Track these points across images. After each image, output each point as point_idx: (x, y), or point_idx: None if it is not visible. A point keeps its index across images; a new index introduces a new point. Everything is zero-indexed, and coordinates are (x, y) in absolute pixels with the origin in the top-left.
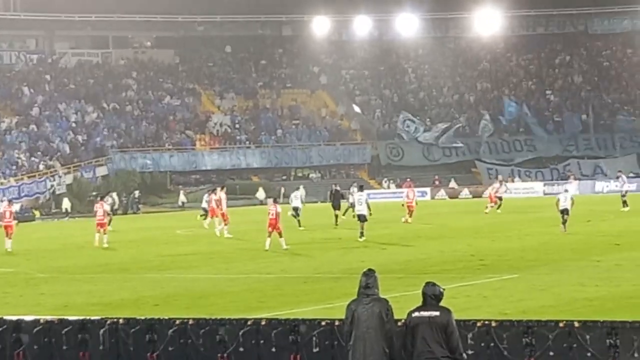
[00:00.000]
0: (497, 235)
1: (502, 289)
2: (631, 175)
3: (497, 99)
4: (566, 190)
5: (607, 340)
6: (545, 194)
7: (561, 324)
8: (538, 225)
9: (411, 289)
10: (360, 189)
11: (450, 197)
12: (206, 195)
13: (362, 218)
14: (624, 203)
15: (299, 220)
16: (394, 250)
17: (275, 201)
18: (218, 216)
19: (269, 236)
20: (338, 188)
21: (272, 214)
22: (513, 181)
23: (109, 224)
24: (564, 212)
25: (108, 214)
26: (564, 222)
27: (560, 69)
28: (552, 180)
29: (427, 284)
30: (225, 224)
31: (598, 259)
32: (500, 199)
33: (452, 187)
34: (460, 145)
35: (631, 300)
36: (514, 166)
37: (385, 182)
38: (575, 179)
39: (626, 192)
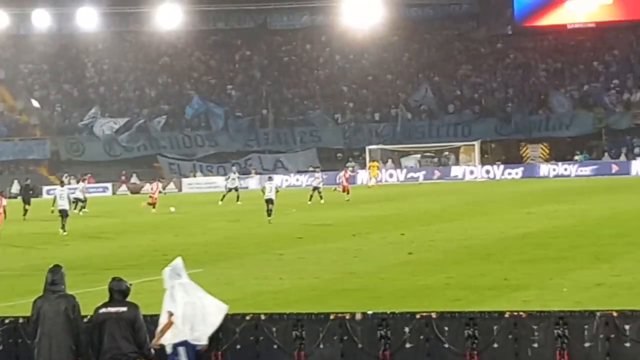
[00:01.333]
0: (181, 230)
1: None
2: (310, 169)
3: (179, 94)
4: (270, 179)
5: (293, 333)
6: (227, 188)
7: (248, 317)
8: (221, 219)
9: (95, 284)
10: (62, 184)
11: (133, 193)
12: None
13: (64, 213)
14: (316, 197)
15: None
16: (77, 246)
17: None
18: None
19: None
20: (29, 182)
21: None
22: (195, 176)
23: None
24: (269, 201)
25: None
26: (269, 212)
27: (240, 64)
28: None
29: (113, 279)
30: None
31: (281, 252)
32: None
33: (134, 183)
34: (141, 143)
35: (314, 292)
36: (196, 161)
37: (66, 177)
38: (256, 173)
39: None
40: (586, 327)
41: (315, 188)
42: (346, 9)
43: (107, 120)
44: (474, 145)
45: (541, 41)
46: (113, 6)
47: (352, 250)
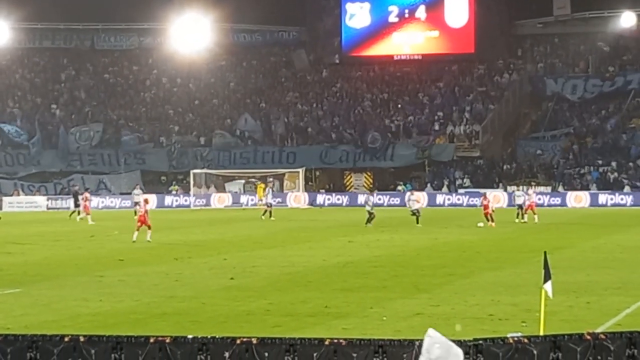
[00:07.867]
0: None
1: (4, 304)
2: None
3: (1, 112)
4: (272, 186)
5: (112, 355)
6: (48, 208)
7: (66, 339)
8: (41, 239)
9: None
10: None
11: None
12: None
13: None
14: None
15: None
16: None
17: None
18: None
19: None
20: None
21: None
22: (19, 194)
23: None
24: (268, 205)
25: None
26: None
27: (66, 84)
28: (55, 194)
29: None
30: None
31: (101, 275)
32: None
33: None
34: None
35: (133, 315)
36: (17, 180)
37: None
38: (80, 193)
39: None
40: (405, 355)
41: None
42: (174, 32)
43: None
44: (298, 172)
45: (367, 71)
46: None
47: (173, 274)
